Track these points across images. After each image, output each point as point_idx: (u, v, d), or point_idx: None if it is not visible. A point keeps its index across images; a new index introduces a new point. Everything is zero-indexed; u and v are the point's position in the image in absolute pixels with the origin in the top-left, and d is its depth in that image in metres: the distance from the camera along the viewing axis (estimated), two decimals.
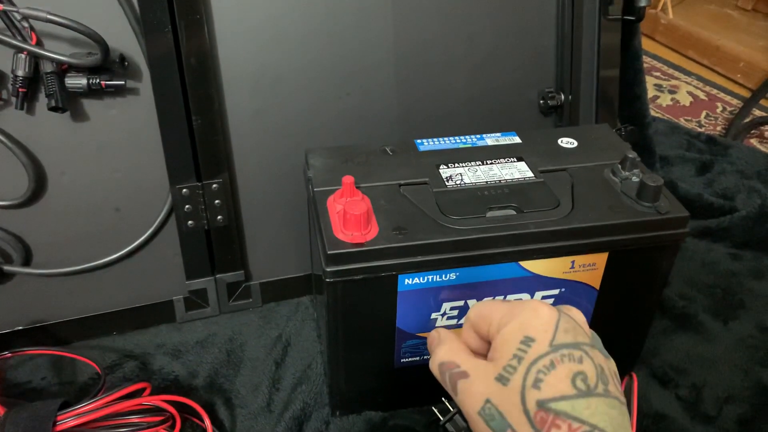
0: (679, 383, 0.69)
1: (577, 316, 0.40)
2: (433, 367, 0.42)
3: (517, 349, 0.37)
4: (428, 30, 0.74)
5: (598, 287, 0.59)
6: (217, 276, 0.76)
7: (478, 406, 0.37)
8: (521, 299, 0.56)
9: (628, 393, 0.65)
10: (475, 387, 0.38)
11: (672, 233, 0.57)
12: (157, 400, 0.56)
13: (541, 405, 0.35)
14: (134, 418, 0.54)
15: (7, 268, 0.67)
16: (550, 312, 0.38)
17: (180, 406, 0.58)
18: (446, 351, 0.41)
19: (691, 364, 0.71)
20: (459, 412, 0.58)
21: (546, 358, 0.36)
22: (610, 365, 0.38)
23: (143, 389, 0.57)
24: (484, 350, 0.42)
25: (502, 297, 0.57)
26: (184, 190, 0.69)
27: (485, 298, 0.57)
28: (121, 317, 0.74)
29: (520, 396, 0.36)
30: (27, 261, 0.69)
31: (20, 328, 0.71)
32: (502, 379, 0.37)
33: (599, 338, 0.40)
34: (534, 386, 0.35)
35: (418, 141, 0.66)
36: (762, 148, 1.27)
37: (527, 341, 0.37)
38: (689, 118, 1.40)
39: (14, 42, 0.58)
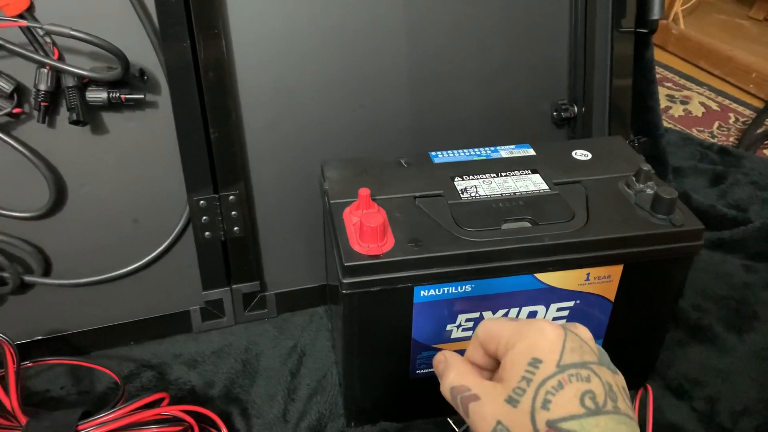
0: (694, 395, 0.69)
1: (584, 333, 0.40)
2: (445, 390, 0.43)
3: (525, 371, 0.38)
4: (441, 42, 0.74)
5: (613, 299, 0.60)
6: (233, 286, 0.76)
7: (489, 428, 0.38)
8: (528, 317, 0.57)
9: (642, 405, 0.65)
10: (486, 409, 0.39)
11: (686, 245, 0.57)
12: (175, 410, 0.56)
13: (551, 425, 0.35)
14: (153, 428, 0.55)
15: (27, 278, 0.69)
16: (556, 332, 0.38)
17: (197, 416, 0.59)
18: (456, 375, 0.42)
19: (706, 376, 0.71)
20: None
21: (554, 379, 0.37)
22: (618, 380, 0.39)
23: (162, 399, 0.57)
24: (491, 366, 0.43)
25: (517, 309, 0.58)
26: (202, 201, 0.70)
27: (493, 316, 0.58)
28: (139, 327, 0.75)
29: (529, 417, 0.36)
30: (47, 271, 0.70)
31: (39, 337, 0.72)
32: (511, 401, 0.37)
33: (606, 353, 0.40)
34: (543, 407, 0.36)
35: (433, 153, 0.67)
36: None
37: (535, 363, 0.38)
38: (702, 128, 1.40)
39: (37, 57, 0.59)
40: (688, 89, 1.57)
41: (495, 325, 0.41)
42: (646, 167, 0.60)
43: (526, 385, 0.37)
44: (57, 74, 0.61)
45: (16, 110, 0.62)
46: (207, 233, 0.72)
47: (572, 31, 0.79)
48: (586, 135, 0.82)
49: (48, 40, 0.60)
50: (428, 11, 0.72)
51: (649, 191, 0.59)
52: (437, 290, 0.55)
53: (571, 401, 0.36)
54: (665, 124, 1.28)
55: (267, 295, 0.79)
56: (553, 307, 0.59)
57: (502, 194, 0.60)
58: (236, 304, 0.77)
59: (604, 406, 0.36)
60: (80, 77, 0.61)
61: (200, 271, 0.74)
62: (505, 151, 0.67)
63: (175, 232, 0.71)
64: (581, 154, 0.67)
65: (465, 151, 0.67)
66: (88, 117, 0.63)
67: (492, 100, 0.79)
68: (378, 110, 0.75)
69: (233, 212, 0.71)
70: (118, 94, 0.62)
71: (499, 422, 0.38)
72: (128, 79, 0.63)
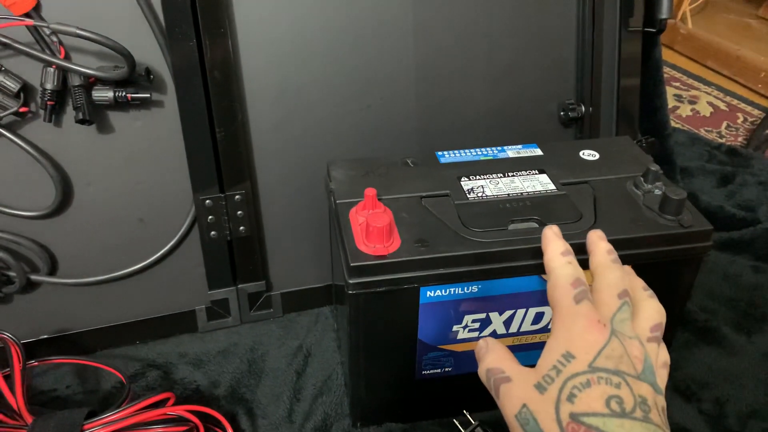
0: (701, 397, 0.69)
1: (636, 350, 0.40)
2: (481, 373, 0.44)
3: (557, 361, 0.39)
4: (448, 42, 0.74)
5: None
6: (239, 286, 0.76)
7: (515, 410, 0.39)
8: (535, 319, 0.57)
9: None
10: (514, 391, 0.40)
11: (695, 247, 0.57)
12: (181, 410, 0.56)
13: (574, 417, 0.36)
14: (159, 428, 0.55)
15: (33, 277, 0.69)
16: (599, 336, 0.39)
17: (203, 416, 0.59)
18: (493, 359, 0.43)
19: (714, 378, 0.71)
20: (480, 424, 0.59)
21: (583, 377, 0.37)
22: (659, 401, 0.39)
23: (167, 399, 0.57)
24: None
25: (524, 310, 0.57)
26: (208, 201, 0.70)
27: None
28: (144, 326, 0.75)
29: (554, 406, 0.37)
30: (53, 270, 0.70)
31: (45, 336, 0.72)
32: (539, 387, 0.38)
33: (659, 374, 0.40)
34: (568, 399, 0.37)
35: (440, 153, 0.66)
36: None
37: (567, 356, 0.38)
38: (709, 128, 1.39)
39: (44, 56, 0.59)
40: (696, 89, 1.57)
41: (557, 292, 0.42)
42: (655, 167, 0.59)
43: (555, 375, 0.38)
44: (63, 73, 0.61)
45: (22, 109, 0.62)
46: (213, 233, 0.72)
47: (580, 30, 0.79)
48: (594, 135, 0.82)
49: (54, 39, 0.60)
50: (435, 12, 0.72)
51: (658, 192, 0.59)
52: (443, 291, 0.55)
53: (596, 400, 0.36)
54: (673, 124, 1.27)
55: (273, 295, 0.78)
56: None
57: (509, 194, 0.60)
58: (242, 303, 0.77)
59: (631, 412, 0.36)
60: (86, 76, 0.61)
61: (206, 271, 0.74)
62: (512, 151, 0.67)
63: (181, 231, 0.71)
64: (589, 154, 0.66)
65: (472, 151, 0.67)
66: (95, 116, 0.63)
67: (499, 100, 0.79)
68: (385, 110, 0.75)
69: (239, 212, 0.71)
70: (124, 93, 0.62)
71: (524, 405, 0.39)
72: (134, 79, 0.63)
